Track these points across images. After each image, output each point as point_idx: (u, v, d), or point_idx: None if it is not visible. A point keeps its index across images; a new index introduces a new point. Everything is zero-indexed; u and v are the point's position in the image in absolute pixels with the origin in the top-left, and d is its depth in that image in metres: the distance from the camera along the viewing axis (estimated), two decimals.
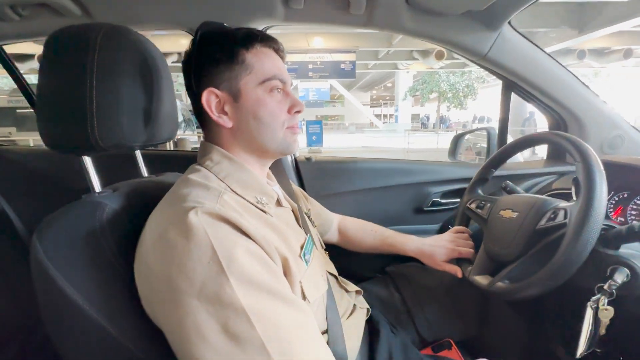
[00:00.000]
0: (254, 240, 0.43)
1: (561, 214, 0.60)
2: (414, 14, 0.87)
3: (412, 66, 11.25)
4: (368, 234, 0.93)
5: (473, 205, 0.83)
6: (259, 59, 0.54)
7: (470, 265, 0.76)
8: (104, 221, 0.47)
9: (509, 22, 0.90)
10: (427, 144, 11.56)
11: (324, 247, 0.77)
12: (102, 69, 0.48)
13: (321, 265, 0.60)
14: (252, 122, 0.54)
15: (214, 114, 0.53)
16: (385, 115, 29.54)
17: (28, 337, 1.00)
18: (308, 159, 1.20)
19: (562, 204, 0.63)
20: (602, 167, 0.56)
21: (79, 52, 0.48)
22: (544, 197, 0.68)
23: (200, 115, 0.56)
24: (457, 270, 0.76)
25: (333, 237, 0.96)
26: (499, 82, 1.10)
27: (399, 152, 11.03)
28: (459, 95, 18.92)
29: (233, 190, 0.51)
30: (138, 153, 0.68)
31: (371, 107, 32.47)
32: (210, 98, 0.52)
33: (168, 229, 0.41)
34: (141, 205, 0.54)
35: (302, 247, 0.55)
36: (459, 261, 0.80)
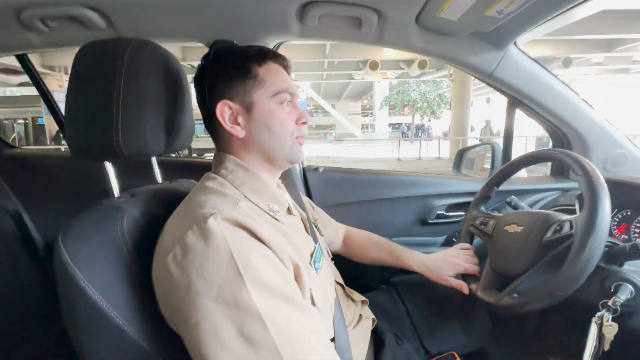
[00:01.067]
0: (268, 247, 0.45)
1: (567, 225, 0.61)
2: (423, 33, 0.90)
3: (371, 76, 11.26)
4: (373, 246, 0.94)
5: (477, 222, 0.84)
6: (270, 74, 0.57)
7: (476, 282, 0.76)
8: (124, 225, 0.50)
9: (514, 43, 0.93)
10: (391, 154, 11.60)
11: (331, 256, 0.79)
12: (129, 81, 0.51)
13: (330, 274, 0.62)
14: (264, 132, 0.57)
15: (227, 124, 0.56)
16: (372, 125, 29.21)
17: (41, 337, 1.01)
18: (316, 169, 1.23)
19: (567, 216, 0.65)
20: (603, 180, 0.58)
21: (108, 65, 0.51)
22: (548, 211, 0.69)
23: (212, 126, 0.59)
24: (463, 286, 0.77)
25: (338, 247, 0.98)
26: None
27: (350, 160, 11.09)
28: (432, 104, 19.04)
29: (247, 198, 0.54)
30: (154, 159, 0.71)
31: (362, 116, 32.46)
32: (224, 109, 0.56)
33: (188, 234, 0.43)
34: (158, 210, 0.57)
35: (312, 255, 0.56)
36: (463, 277, 0.80)
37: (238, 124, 0.57)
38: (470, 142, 10.00)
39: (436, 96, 18.97)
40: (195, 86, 0.60)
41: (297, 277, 0.49)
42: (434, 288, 0.97)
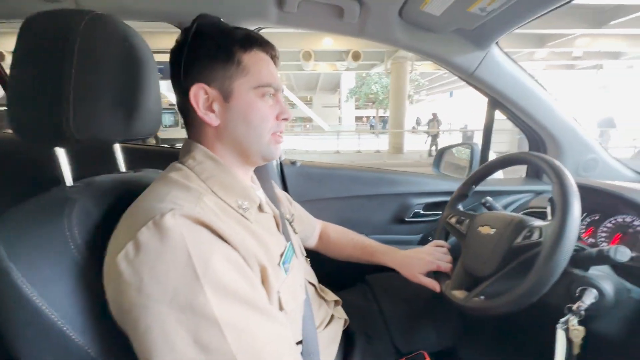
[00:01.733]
0: (233, 247, 0.42)
1: (536, 232, 0.61)
2: (406, 28, 0.88)
3: (317, 66, 11.27)
4: (348, 242, 0.93)
5: (453, 220, 0.84)
6: (256, 63, 0.53)
7: (447, 280, 0.77)
8: (73, 217, 0.45)
9: (497, 43, 0.93)
10: (352, 147, 11.67)
11: (305, 254, 0.76)
12: (84, 57, 0.46)
13: (300, 274, 0.59)
14: (241, 124, 0.53)
15: (200, 110, 0.51)
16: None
17: None
18: (293, 163, 1.19)
19: (538, 222, 0.65)
20: (576, 189, 0.58)
21: (58, 39, 0.46)
22: (521, 215, 0.70)
23: (185, 110, 0.54)
24: (434, 285, 0.76)
25: (314, 243, 0.96)
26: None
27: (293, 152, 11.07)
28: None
29: (214, 193, 0.50)
30: (117, 146, 0.66)
31: (339, 109, 32.57)
32: (199, 93, 0.51)
33: (142, 230, 0.39)
34: (115, 202, 0.52)
35: (281, 255, 0.54)
36: (436, 275, 0.80)
37: (213, 111, 0.52)
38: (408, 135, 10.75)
39: None
40: (171, 63, 0.54)
41: (264, 280, 0.46)
42: (407, 286, 0.97)
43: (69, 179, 0.52)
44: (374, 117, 24.76)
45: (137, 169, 0.69)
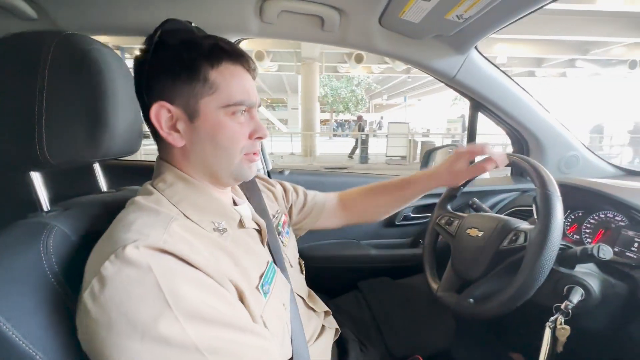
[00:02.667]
0: (203, 272, 0.40)
1: (522, 236, 0.63)
2: (386, 35, 0.89)
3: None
4: (380, 195, 0.84)
5: (442, 222, 0.85)
6: (225, 79, 0.48)
7: (438, 283, 0.77)
8: (50, 244, 0.43)
9: (475, 47, 0.95)
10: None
11: (293, 266, 0.73)
12: (55, 80, 0.45)
13: (285, 292, 0.57)
14: (208, 146, 0.49)
15: (163, 130, 0.47)
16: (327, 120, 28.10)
17: None
18: (281, 172, 1.19)
19: (523, 225, 0.66)
20: (559, 194, 0.59)
21: (28, 62, 0.45)
22: (507, 217, 0.71)
23: (150, 127, 0.50)
24: (487, 163, 0.71)
25: (334, 217, 0.85)
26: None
27: None
28: (345, 100, 18.80)
29: (186, 216, 0.47)
30: (96, 165, 0.64)
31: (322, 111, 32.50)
32: (160, 112, 0.47)
33: (105, 265, 0.37)
34: (96, 226, 0.50)
35: (261, 277, 0.50)
36: (428, 278, 0.81)
37: (177, 131, 0.48)
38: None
39: (349, 92, 18.60)
40: (134, 74, 0.50)
41: (243, 301, 0.44)
42: (400, 290, 0.98)
43: (45, 204, 0.50)
44: (336, 120, 24.48)
45: (119, 187, 0.67)
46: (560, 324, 0.57)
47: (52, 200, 0.51)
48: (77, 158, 0.49)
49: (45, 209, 0.50)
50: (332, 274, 1.15)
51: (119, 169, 1.16)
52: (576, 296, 0.58)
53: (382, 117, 11.12)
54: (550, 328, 0.57)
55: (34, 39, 0.46)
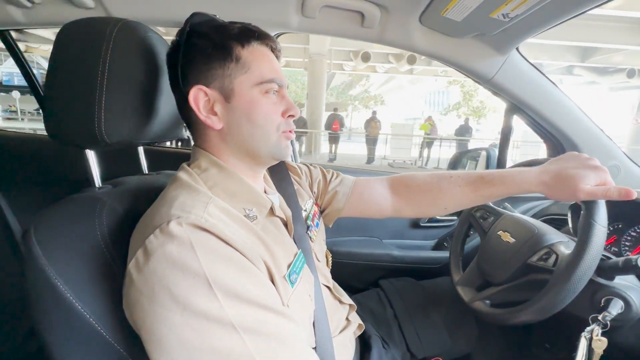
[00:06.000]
0: (239, 252, 0.41)
1: (552, 258, 0.62)
2: (425, 34, 0.88)
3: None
4: (451, 189, 0.68)
5: (478, 214, 0.85)
6: (256, 58, 0.50)
7: (460, 274, 0.77)
8: (103, 218, 0.46)
9: (517, 48, 0.92)
10: None
11: (320, 260, 0.72)
12: (115, 64, 0.48)
13: (310, 285, 0.57)
14: (245, 125, 0.50)
15: (201, 113, 0.49)
16: None
17: (14, 329, 0.97)
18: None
19: (558, 245, 0.64)
20: (605, 225, 0.55)
21: (93, 45, 0.48)
22: (543, 229, 0.69)
23: (186, 116, 0.53)
24: (619, 191, 0.54)
25: (380, 203, 0.75)
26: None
27: None
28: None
29: (220, 200, 0.48)
30: (140, 149, 0.68)
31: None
32: (198, 96, 0.49)
33: (150, 238, 0.39)
34: (140, 203, 0.53)
35: (289, 267, 0.51)
36: (452, 266, 0.81)
37: (215, 114, 0.50)
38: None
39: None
40: (168, 67, 0.52)
41: (273, 283, 0.46)
42: (422, 292, 0.97)
43: (97, 180, 0.54)
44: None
45: (158, 170, 0.71)
46: (597, 335, 0.55)
47: (101, 180, 0.55)
48: (129, 139, 0.52)
49: (97, 185, 0.54)
50: (353, 270, 1.16)
51: (158, 154, 1.21)
52: (615, 308, 0.56)
53: (375, 112, 10.15)
54: (587, 339, 0.55)
55: (99, 25, 0.49)
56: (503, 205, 0.91)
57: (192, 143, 0.56)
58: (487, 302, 0.66)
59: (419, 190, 0.73)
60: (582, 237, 0.55)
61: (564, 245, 0.64)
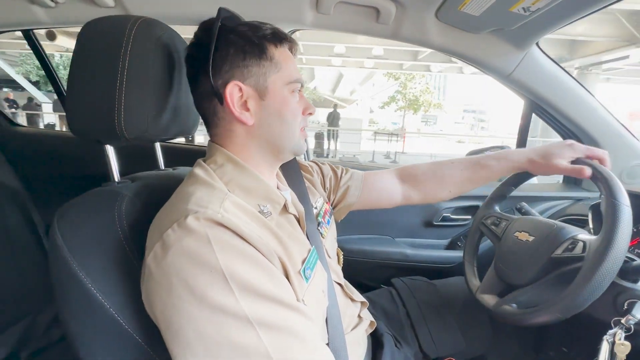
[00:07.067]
0: (255, 247, 0.42)
1: (579, 246, 0.59)
2: (442, 29, 0.87)
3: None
4: (453, 173, 0.77)
5: (488, 222, 0.82)
6: (285, 59, 0.52)
7: (478, 283, 0.75)
8: (123, 211, 0.48)
9: (537, 44, 0.89)
10: None
11: (331, 256, 0.72)
12: (134, 61, 0.49)
13: (323, 280, 0.57)
14: (275, 122, 0.52)
15: (235, 109, 0.50)
16: None
17: (36, 318, 1.01)
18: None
19: (581, 235, 0.62)
20: (629, 204, 0.55)
21: (113, 43, 0.49)
22: (562, 224, 0.67)
23: (209, 111, 0.52)
24: (583, 170, 0.63)
25: (391, 192, 0.80)
26: None
27: None
28: None
29: (235, 196, 0.49)
30: (157, 145, 0.69)
31: None
32: (234, 92, 0.49)
33: (168, 232, 0.40)
34: (157, 198, 0.54)
35: (303, 262, 0.52)
36: (468, 276, 0.78)
37: (247, 110, 0.51)
38: None
39: None
40: (192, 60, 0.52)
41: (288, 279, 0.46)
42: (435, 291, 0.96)
43: (116, 175, 0.55)
44: None
45: (174, 166, 0.72)
46: (620, 339, 0.53)
47: (120, 175, 0.56)
48: (147, 135, 0.53)
49: (116, 179, 0.55)
50: (365, 268, 1.15)
51: (174, 150, 1.24)
52: (639, 311, 0.54)
53: (336, 105, 9.96)
54: (609, 343, 0.53)
55: (118, 23, 0.50)
56: (519, 205, 0.89)
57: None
58: (514, 305, 0.63)
59: (424, 177, 0.79)
60: (609, 218, 0.54)
61: (587, 234, 0.62)
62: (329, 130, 9.45)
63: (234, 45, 0.49)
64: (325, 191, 0.78)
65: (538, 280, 0.64)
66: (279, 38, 0.52)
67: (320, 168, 0.79)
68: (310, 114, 0.57)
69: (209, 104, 0.52)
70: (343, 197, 0.78)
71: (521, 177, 0.82)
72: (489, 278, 0.74)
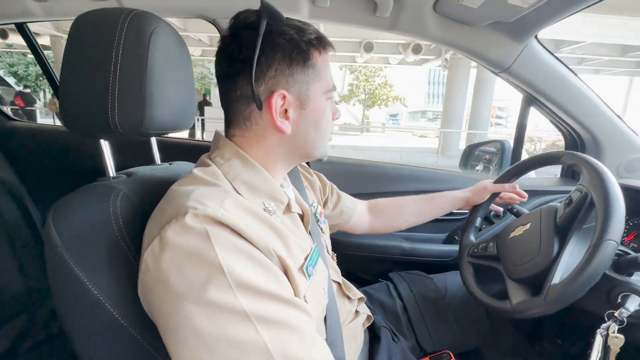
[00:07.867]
0: (255, 246, 0.42)
1: (575, 195, 0.60)
2: (440, 21, 0.86)
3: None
4: (408, 204, 0.93)
5: (475, 252, 0.80)
6: (324, 66, 0.50)
7: (507, 302, 0.65)
8: (118, 207, 0.47)
9: (535, 36, 0.89)
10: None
11: (331, 253, 0.73)
12: (127, 53, 0.48)
13: (324, 277, 0.57)
14: (312, 130, 0.51)
15: (277, 118, 0.47)
16: None
17: (35, 312, 1.01)
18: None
19: (573, 194, 0.63)
20: (622, 199, 0.55)
21: (105, 36, 0.48)
22: (548, 203, 0.67)
23: (240, 112, 0.50)
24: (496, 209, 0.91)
25: (362, 222, 0.91)
26: None
27: None
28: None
29: (239, 194, 0.48)
30: (153, 140, 0.68)
31: None
32: (277, 101, 0.47)
33: (166, 228, 0.39)
34: (153, 192, 0.54)
35: (305, 259, 0.51)
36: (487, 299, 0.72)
37: (287, 119, 0.48)
38: None
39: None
40: (231, 60, 0.48)
41: (289, 279, 0.45)
42: (433, 285, 0.97)
43: (112, 170, 0.55)
44: None
45: (170, 161, 0.72)
46: (613, 332, 0.54)
47: (115, 170, 0.56)
48: (142, 129, 0.53)
49: (111, 174, 0.55)
50: (362, 262, 1.16)
51: (171, 145, 1.23)
52: (633, 304, 0.54)
53: (205, 95, 9.73)
54: (602, 336, 0.54)
55: (111, 15, 0.50)
56: (511, 205, 0.88)
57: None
58: (555, 283, 0.56)
59: (386, 207, 0.93)
60: (604, 210, 0.54)
61: (577, 185, 0.62)
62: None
63: (281, 51, 0.46)
64: (322, 198, 0.80)
65: (563, 250, 0.59)
66: (324, 44, 0.49)
67: (319, 176, 0.82)
68: (337, 118, 0.56)
69: (245, 107, 0.49)
70: (337, 218, 0.85)
71: (511, 176, 0.85)
72: (513, 290, 0.65)
